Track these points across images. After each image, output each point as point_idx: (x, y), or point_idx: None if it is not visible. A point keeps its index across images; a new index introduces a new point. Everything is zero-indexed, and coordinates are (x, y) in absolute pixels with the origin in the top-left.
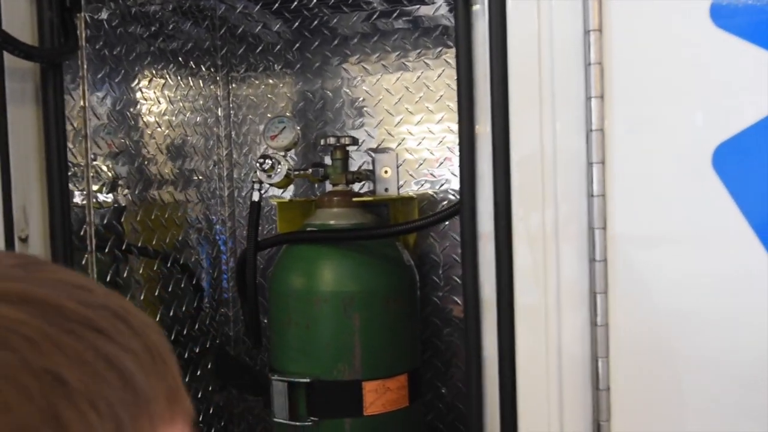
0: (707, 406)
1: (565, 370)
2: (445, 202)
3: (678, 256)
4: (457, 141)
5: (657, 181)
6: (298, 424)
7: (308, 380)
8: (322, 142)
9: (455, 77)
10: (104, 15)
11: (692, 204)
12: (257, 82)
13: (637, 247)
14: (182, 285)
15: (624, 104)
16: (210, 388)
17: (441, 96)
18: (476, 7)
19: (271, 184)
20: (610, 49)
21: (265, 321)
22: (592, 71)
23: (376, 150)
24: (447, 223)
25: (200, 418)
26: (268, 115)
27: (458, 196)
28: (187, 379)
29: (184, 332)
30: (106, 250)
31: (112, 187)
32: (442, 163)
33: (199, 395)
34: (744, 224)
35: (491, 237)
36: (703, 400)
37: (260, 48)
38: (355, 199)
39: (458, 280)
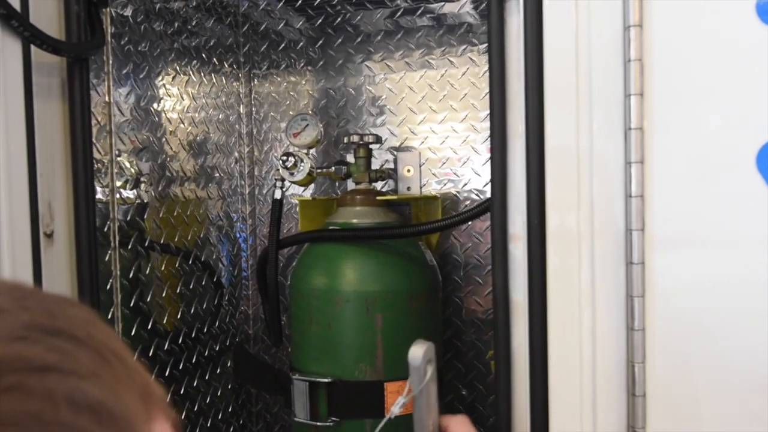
0: (749, 413)
1: (600, 375)
2: (468, 202)
3: (720, 259)
4: (479, 140)
5: (698, 181)
6: (319, 424)
7: (330, 380)
8: (346, 139)
9: (480, 75)
10: (129, 11)
11: (735, 206)
12: (279, 79)
13: (677, 250)
14: (203, 282)
15: (664, 102)
16: (229, 386)
17: (465, 94)
18: (510, 3)
19: (293, 182)
20: (651, 45)
21: (284, 319)
22: (632, 68)
23: (398, 148)
24: (469, 223)
25: (219, 417)
26: (290, 113)
27: (481, 196)
28: (207, 377)
29: (205, 330)
30: (129, 247)
31: (135, 184)
32: (465, 162)
33: (219, 393)
34: None
35: (523, 237)
36: (744, 407)
37: (283, 45)
38: (378, 197)
39: (480, 280)
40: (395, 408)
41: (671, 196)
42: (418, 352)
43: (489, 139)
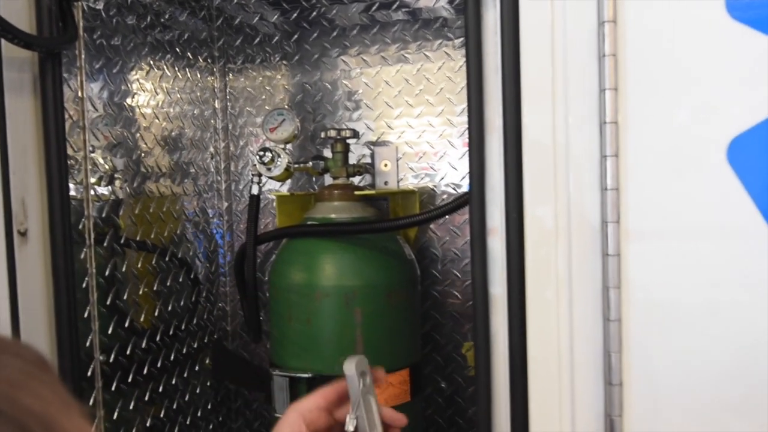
0: (721, 401)
1: (577, 365)
2: (445, 196)
3: (692, 250)
4: (456, 134)
5: (672, 174)
6: None
7: (310, 375)
8: (323, 134)
9: (455, 70)
10: (101, 5)
11: (707, 198)
12: (254, 73)
13: (651, 241)
14: (180, 279)
15: (638, 96)
16: (208, 383)
17: (441, 89)
18: None
19: (270, 177)
20: (625, 40)
21: (262, 315)
22: (606, 63)
23: (375, 143)
24: (447, 217)
25: (199, 414)
26: (266, 108)
27: (457, 190)
28: (185, 375)
29: (182, 327)
30: (105, 244)
31: (110, 180)
32: (442, 156)
33: (198, 390)
34: (759, 219)
35: (501, 230)
36: (716, 395)
37: (258, 39)
38: (356, 192)
39: (458, 274)
40: (349, 426)
41: (646, 189)
42: (351, 363)
43: (465, 133)
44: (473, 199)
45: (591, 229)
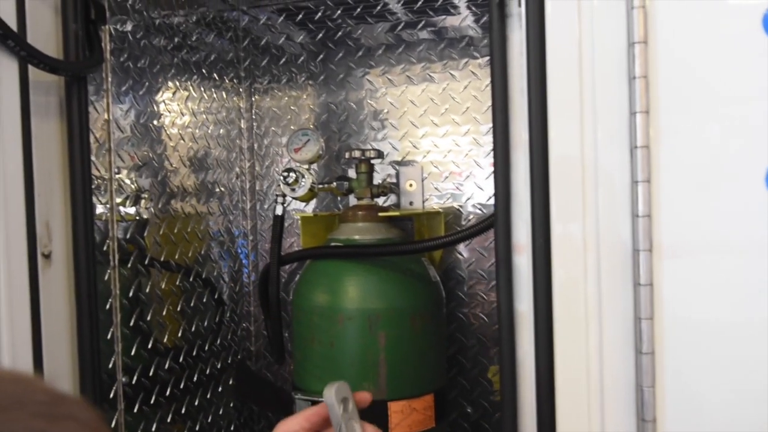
0: None
1: (608, 400)
2: (471, 217)
3: (730, 280)
4: (482, 154)
5: (706, 200)
6: None
7: None
8: (347, 155)
9: (482, 89)
10: (128, 27)
11: (745, 224)
12: (280, 93)
13: (686, 269)
14: (204, 299)
15: (671, 120)
16: (231, 405)
17: (467, 108)
18: (512, 19)
19: (294, 198)
20: (656, 62)
21: (286, 335)
22: (637, 85)
23: (400, 163)
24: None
25: None
26: (292, 127)
27: (484, 210)
28: (208, 396)
29: (206, 347)
30: (129, 265)
31: (136, 200)
32: (467, 176)
33: (221, 411)
34: None
35: (527, 248)
36: (761, 427)
37: (283, 59)
38: (381, 213)
39: (484, 296)
40: None
41: (679, 216)
42: (330, 390)
43: (491, 152)
44: (499, 219)
45: (622, 254)
